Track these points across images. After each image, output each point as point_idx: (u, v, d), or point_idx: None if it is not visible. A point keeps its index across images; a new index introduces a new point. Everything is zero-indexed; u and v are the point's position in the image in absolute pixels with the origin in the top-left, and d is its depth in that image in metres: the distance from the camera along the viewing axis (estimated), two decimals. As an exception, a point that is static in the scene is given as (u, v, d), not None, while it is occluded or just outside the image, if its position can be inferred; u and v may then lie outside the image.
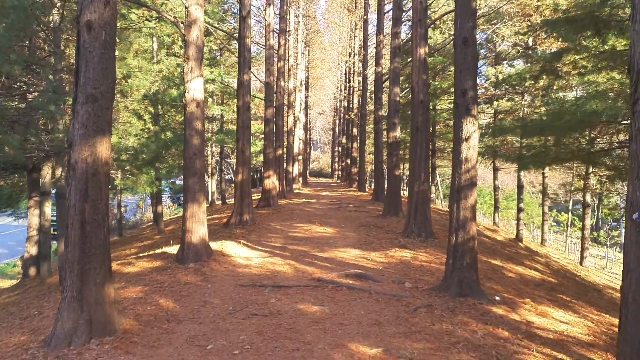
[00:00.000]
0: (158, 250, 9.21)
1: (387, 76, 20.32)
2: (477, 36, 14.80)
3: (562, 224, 29.80)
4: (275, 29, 19.78)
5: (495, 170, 25.34)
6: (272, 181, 15.24)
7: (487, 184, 43.56)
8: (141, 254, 9.39)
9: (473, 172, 5.78)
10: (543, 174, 22.39)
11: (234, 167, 45.48)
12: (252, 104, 25.58)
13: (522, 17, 16.36)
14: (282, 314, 5.10)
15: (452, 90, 26.90)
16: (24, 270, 11.40)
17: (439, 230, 11.05)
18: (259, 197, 16.20)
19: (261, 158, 22.73)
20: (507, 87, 21.30)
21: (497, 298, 5.83)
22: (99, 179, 4.21)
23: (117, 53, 11.08)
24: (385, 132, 26.94)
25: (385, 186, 15.87)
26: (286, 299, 5.61)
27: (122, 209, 37.90)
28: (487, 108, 26.23)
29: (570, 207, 27.30)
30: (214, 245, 8.85)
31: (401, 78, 15.28)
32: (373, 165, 42.72)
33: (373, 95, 35.59)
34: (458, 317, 5.05)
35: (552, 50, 15.85)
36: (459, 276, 5.74)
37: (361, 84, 29.44)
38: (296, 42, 26.44)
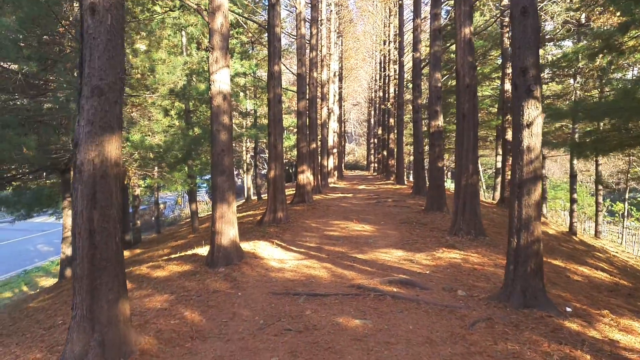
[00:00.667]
0: (189, 252, 8.83)
1: (425, 62, 19.29)
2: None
3: (616, 214, 27.79)
4: (306, 18, 19.13)
5: (543, 158, 23.88)
6: (306, 176, 14.68)
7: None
8: (173, 256, 9.04)
9: (537, 163, 4.96)
10: (596, 161, 20.88)
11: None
12: (284, 97, 25.13)
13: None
14: (319, 329, 4.50)
15: (494, 75, 25.53)
16: (60, 271, 11.36)
17: (488, 225, 10.15)
18: (294, 192, 15.68)
19: (295, 153, 22.28)
20: (555, 69, 19.87)
21: (568, 309, 5.00)
22: (108, 182, 3.72)
23: (144, 48, 10.80)
24: (425, 122, 25.92)
25: (427, 179, 15.00)
26: (323, 311, 5.01)
27: (161, 205, 38.57)
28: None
29: (626, 196, 25.31)
30: (246, 246, 8.36)
31: (441, 63, 14.30)
32: (412, 157, 41.59)
33: (411, 83, 34.44)
34: (525, 334, 4.29)
35: (609, 27, 14.45)
36: (522, 284, 4.95)
37: (397, 73, 28.40)
38: (329, 31, 25.69)
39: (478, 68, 25.75)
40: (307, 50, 18.84)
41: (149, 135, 9.96)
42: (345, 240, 8.91)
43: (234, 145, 28.72)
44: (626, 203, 24.84)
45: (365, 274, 6.41)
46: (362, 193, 18.69)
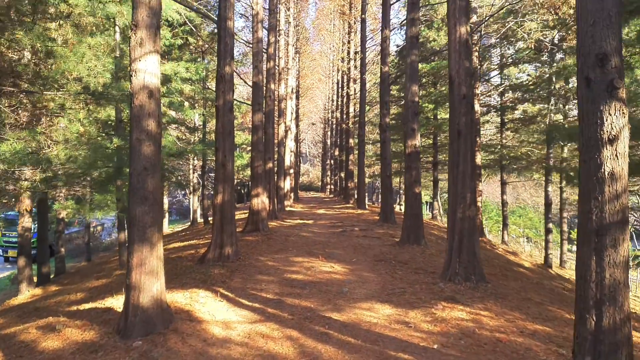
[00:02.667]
0: (105, 303, 6.54)
1: (395, 75, 17.95)
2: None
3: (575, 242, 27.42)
4: (264, 26, 17.34)
5: (503, 184, 23.16)
6: (261, 200, 12.60)
7: (488, 198, 41.36)
8: (82, 307, 6.68)
9: (624, 199, 3.25)
10: (561, 187, 20.25)
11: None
12: (236, 112, 23.03)
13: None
14: None
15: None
16: None
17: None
18: (246, 217, 13.50)
19: (248, 172, 20.10)
20: (523, 92, 19.12)
21: None
22: None
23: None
24: (395, 141, 24.54)
25: (402, 206, 13.36)
26: None
27: (99, 227, 34.96)
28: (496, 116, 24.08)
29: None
30: (180, 298, 6.20)
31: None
32: (377, 180, 40.33)
33: (375, 101, 33.32)
34: None
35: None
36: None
37: (359, 91, 27.10)
38: (287, 44, 24.05)
39: (439, 90, 24.89)
40: (264, 58, 17.02)
41: (47, 147, 7.59)
42: (312, 287, 6.90)
43: (179, 163, 26.12)
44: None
45: (350, 352, 4.44)
46: (324, 219, 16.78)
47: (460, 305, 5.81)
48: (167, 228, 28.91)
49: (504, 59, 19.78)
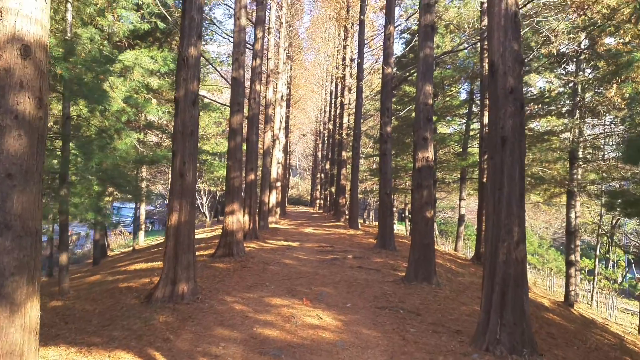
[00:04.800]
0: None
1: (399, 79, 16.04)
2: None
3: (583, 272, 25.67)
4: (249, 17, 15.41)
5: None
6: (236, 219, 10.45)
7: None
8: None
9: None
10: (568, 208, 18.41)
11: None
12: (220, 115, 20.95)
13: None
14: None
15: (462, 110, 22.92)
16: None
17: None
18: (219, 239, 11.31)
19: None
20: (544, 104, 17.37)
21: None
22: None
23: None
24: (397, 154, 22.50)
25: (407, 232, 11.29)
26: None
27: (73, 237, 32.34)
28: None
29: (597, 252, 23.03)
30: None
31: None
32: (368, 197, 38.22)
33: (371, 113, 31.42)
34: None
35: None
36: None
37: (354, 100, 25.22)
38: (277, 45, 22.13)
39: (442, 100, 23.14)
40: (250, 55, 15.07)
41: None
42: (290, 355, 4.76)
43: (160, 171, 23.67)
44: (596, 260, 22.57)
45: None
46: (311, 240, 14.62)
47: (519, 404, 3.72)
48: (142, 242, 26.56)
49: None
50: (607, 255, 26.06)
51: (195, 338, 5.19)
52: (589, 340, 6.95)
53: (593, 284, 21.61)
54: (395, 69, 18.57)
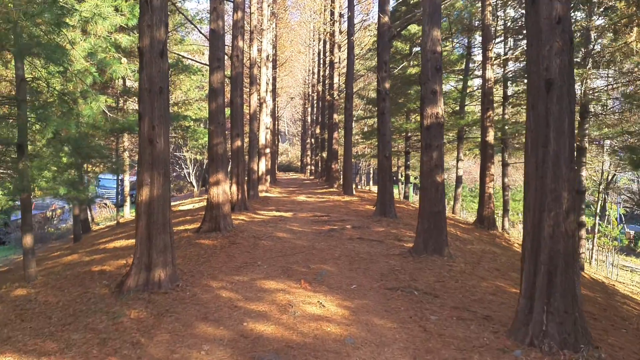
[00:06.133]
0: None
1: (397, 28, 14.70)
2: None
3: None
4: (229, -36, 13.85)
5: (505, 165, 20.49)
6: (222, 190, 9.40)
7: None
8: None
9: None
10: (579, 167, 17.65)
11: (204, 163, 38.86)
12: (192, 79, 19.49)
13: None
14: None
15: (458, 65, 21.67)
16: None
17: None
18: (203, 212, 10.25)
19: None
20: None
21: None
22: None
23: None
24: (398, 112, 21.29)
25: (401, 196, 10.34)
26: None
27: (58, 211, 31.19)
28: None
29: (597, 210, 22.45)
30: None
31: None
32: (359, 161, 37.15)
33: (361, 74, 29.87)
34: None
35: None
36: None
37: (344, 59, 23.79)
38: (260, 1, 20.43)
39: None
40: (230, 8, 13.63)
41: None
42: (290, 358, 3.84)
43: (123, 141, 22.48)
44: (597, 217, 22.04)
45: None
46: (305, 209, 13.67)
47: None
48: (128, 214, 25.48)
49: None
50: (606, 213, 25.66)
51: (173, 340, 4.24)
52: (631, 317, 6.17)
53: (593, 242, 21.18)
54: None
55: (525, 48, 4.68)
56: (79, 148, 8.64)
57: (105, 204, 32.54)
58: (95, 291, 5.93)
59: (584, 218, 13.27)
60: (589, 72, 12.44)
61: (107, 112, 9.42)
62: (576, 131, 14.70)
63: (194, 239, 8.84)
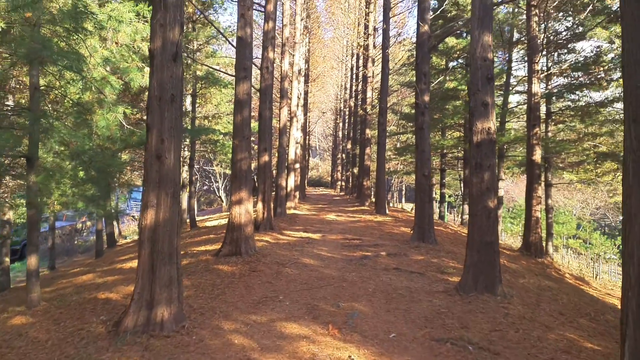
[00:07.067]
0: None
1: (438, 37, 13.76)
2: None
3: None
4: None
5: (548, 186, 19.03)
6: (244, 210, 8.59)
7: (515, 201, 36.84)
8: None
9: None
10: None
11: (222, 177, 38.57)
12: (222, 92, 19.04)
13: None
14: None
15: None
16: None
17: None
18: (223, 233, 9.43)
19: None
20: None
21: None
22: None
23: None
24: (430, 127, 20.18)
25: (450, 217, 9.27)
26: None
27: (88, 223, 31.50)
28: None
29: None
30: None
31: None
32: (391, 177, 35.97)
33: (394, 89, 28.85)
34: None
35: None
36: None
37: (378, 73, 22.97)
38: (294, 13, 19.91)
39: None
40: (261, 18, 13.04)
41: None
42: None
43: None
44: None
45: None
46: (335, 230, 12.72)
47: None
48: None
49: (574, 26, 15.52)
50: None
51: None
52: None
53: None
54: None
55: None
56: (93, 162, 8.04)
57: (134, 217, 32.52)
58: (91, 328, 5.16)
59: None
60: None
61: (124, 124, 8.81)
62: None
63: (212, 264, 8.04)
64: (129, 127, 8.86)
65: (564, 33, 18.10)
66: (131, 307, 4.84)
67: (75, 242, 30.88)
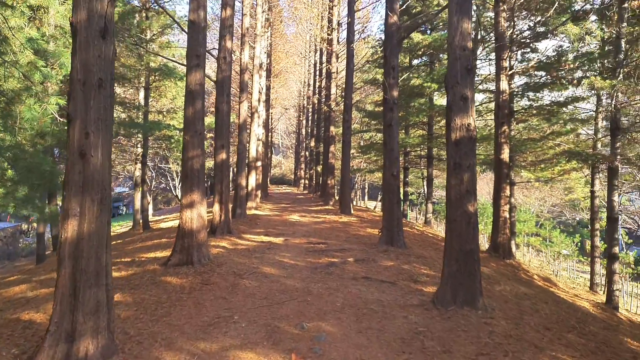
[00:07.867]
0: None
1: (406, 28, 13.20)
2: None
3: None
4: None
5: (511, 185, 19.01)
6: (196, 214, 7.68)
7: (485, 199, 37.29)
8: None
9: None
10: (592, 191, 16.50)
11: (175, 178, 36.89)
12: (178, 85, 17.91)
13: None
14: None
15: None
16: None
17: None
18: (174, 239, 8.46)
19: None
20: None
21: None
22: None
23: None
24: (400, 125, 19.74)
25: (412, 215, 8.70)
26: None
27: (34, 224, 29.39)
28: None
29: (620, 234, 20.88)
30: None
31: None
32: (354, 176, 35.47)
33: (358, 87, 28.41)
34: None
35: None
36: None
37: (342, 69, 22.36)
38: (254, 6, 18.95)
39: (439, 69, 20.44)
40: (219, 5, 12.02)
41: None
42: None
43: (120, 153, 20.78)
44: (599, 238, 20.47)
45: None
46: (298, 233, 11.96)
47: None
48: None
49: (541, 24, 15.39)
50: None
51: None
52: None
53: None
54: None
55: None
56: (18, 160, 6.93)
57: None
58: (-1, 364, 4.18)
59: (617, 250, 11.66)
60: (619, 85, 10.97)
61: (58, 117, 7.69)
62: (601, 150, 13.31)
63: (160, 275, 7.10)
64: (63, 120, 7.75)
65: (527, 32, 18.07)
66: (46, 340, 3.89)
67: (20, 244, 28.65)
